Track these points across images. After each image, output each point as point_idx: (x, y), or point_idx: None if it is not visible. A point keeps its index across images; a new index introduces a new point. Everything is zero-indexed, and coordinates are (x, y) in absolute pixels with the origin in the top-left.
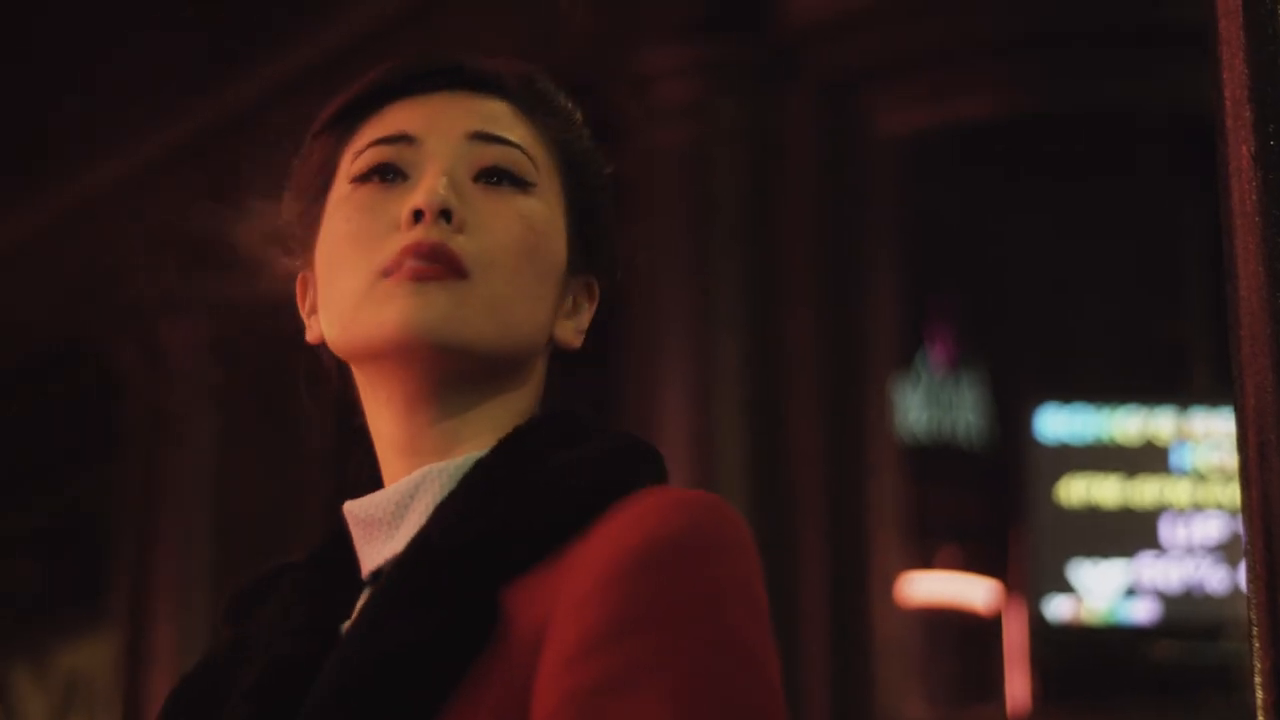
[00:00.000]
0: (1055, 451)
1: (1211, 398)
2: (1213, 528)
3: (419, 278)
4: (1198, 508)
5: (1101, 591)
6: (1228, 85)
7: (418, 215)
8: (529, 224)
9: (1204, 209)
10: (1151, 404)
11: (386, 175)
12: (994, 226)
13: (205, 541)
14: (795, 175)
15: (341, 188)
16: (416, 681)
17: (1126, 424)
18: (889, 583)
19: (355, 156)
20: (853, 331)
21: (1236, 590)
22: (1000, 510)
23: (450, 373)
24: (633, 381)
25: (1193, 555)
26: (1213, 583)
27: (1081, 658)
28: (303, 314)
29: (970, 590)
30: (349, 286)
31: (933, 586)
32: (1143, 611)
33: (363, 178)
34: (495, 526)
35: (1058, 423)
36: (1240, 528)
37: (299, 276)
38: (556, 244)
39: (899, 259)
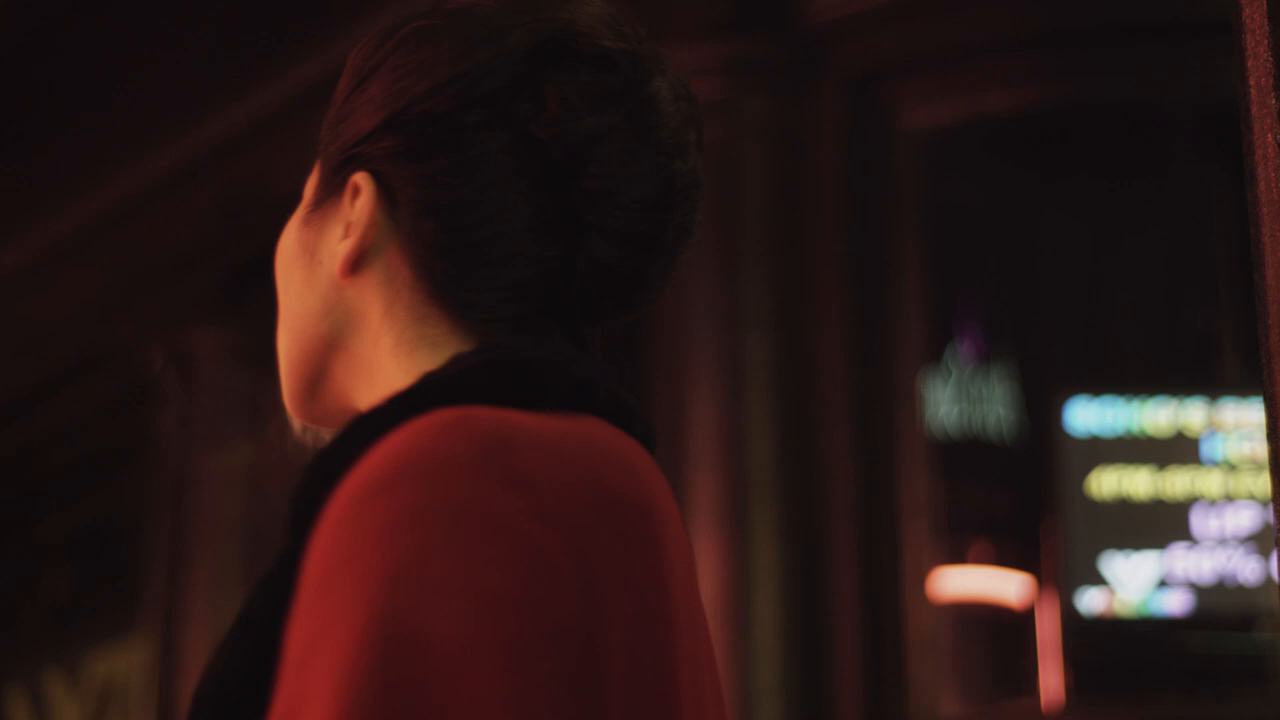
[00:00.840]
0: (1085, 444)
1: (1242, 388)
2: (1244, 518)
3: None
4: (1229, 498)
5: (1134, 583)
6: (1252, 74)
7: None
8: (284, 233)
9: (1233, 199)
10: (1182, 395)
11: None
12: (1022, 220)
13: (237, 547)
14: (822, 171)
15: None
16: (252, 630)
17: (1157, 415)
18: (921, 578)
19: None
20: (881, 327)
21: (1269, 580)
22: (1031, 504)
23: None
24: (661, 380)
25: (1225, 546)
26: (1245, 573)
27: (1114, 650)
28: None
29: (1002, 584)
30: None
31: (964, 581)
32: (1175, 603)
33: None
34: (304, 476)
35: (1088, 415)
36: (1272, 518)
37: None
38: (300, 219)
39: (927, 254)
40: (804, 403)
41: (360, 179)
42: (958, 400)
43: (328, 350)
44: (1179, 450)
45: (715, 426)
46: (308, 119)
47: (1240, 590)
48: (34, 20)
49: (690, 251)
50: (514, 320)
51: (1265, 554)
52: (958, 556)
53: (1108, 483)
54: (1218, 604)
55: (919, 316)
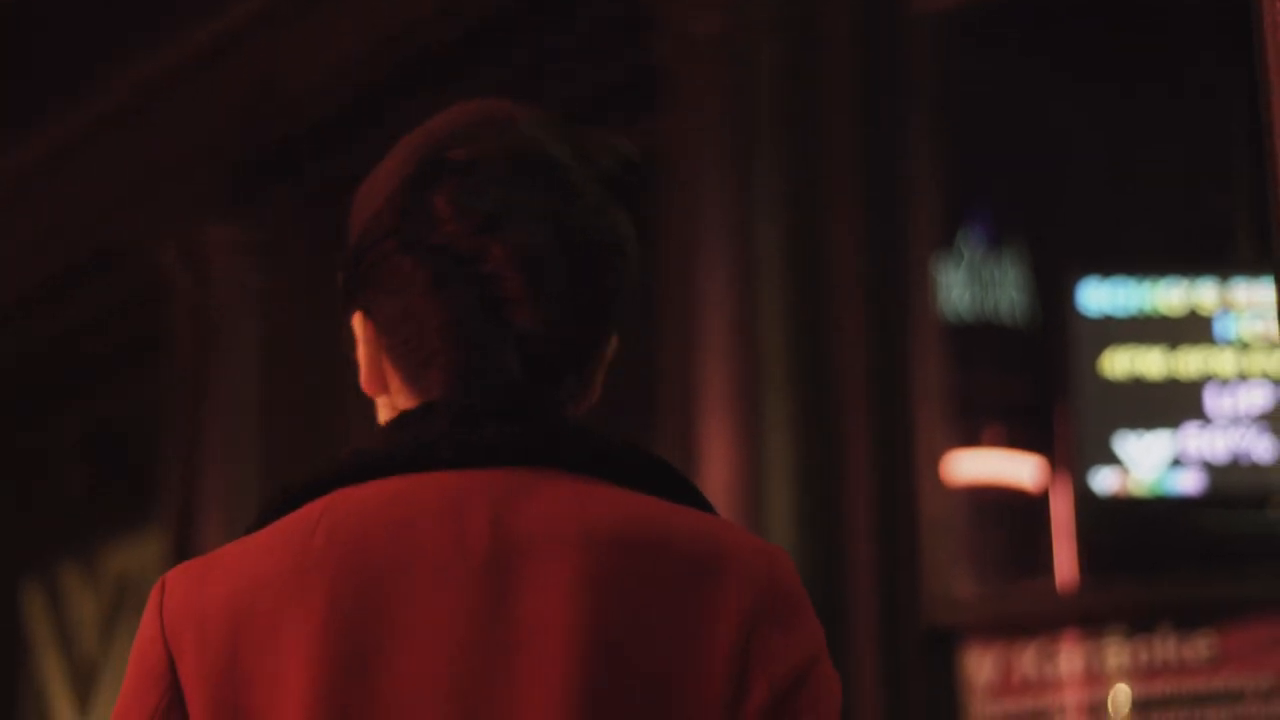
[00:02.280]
0: (1098, 325)
1: (1254, 267)
2: (1258, 397)
3: None
4: (1243, 377)
5: (1147, 463)
6: None
7: None
8: None
9: (1244, 77)
10: (1194, 275)
11: None
12: (1034, 102)
13: (251, 443)
14: (833, 56)
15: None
16: None
17: (1169, 295)
18: (934, 462)
19: None
20: (893, 212)
21: None
22: (1044, 386)
23: None
24: (674, 270)
25: (1238, 425)
26: (1259, 451)
27: (1128, 530)
28: (608, 357)
29: (1016, 467)
30: None
31: (978, 465)
32: (1189, 482)
33: None
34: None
35: (1100, 296)
36: None
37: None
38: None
39: (938, 138)
40: (816, 289)
41: (355, 319)
42: (970, 284)
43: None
44: (1192, 330)
45: (727, 314)
46: (316, 14)
47: (1254, 469)
48: None
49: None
50: (450, 397)
51: (1279, 433)
52: (971, 440)
53: (1120, 363)
54: (1231, 483)
55: (931, 201)
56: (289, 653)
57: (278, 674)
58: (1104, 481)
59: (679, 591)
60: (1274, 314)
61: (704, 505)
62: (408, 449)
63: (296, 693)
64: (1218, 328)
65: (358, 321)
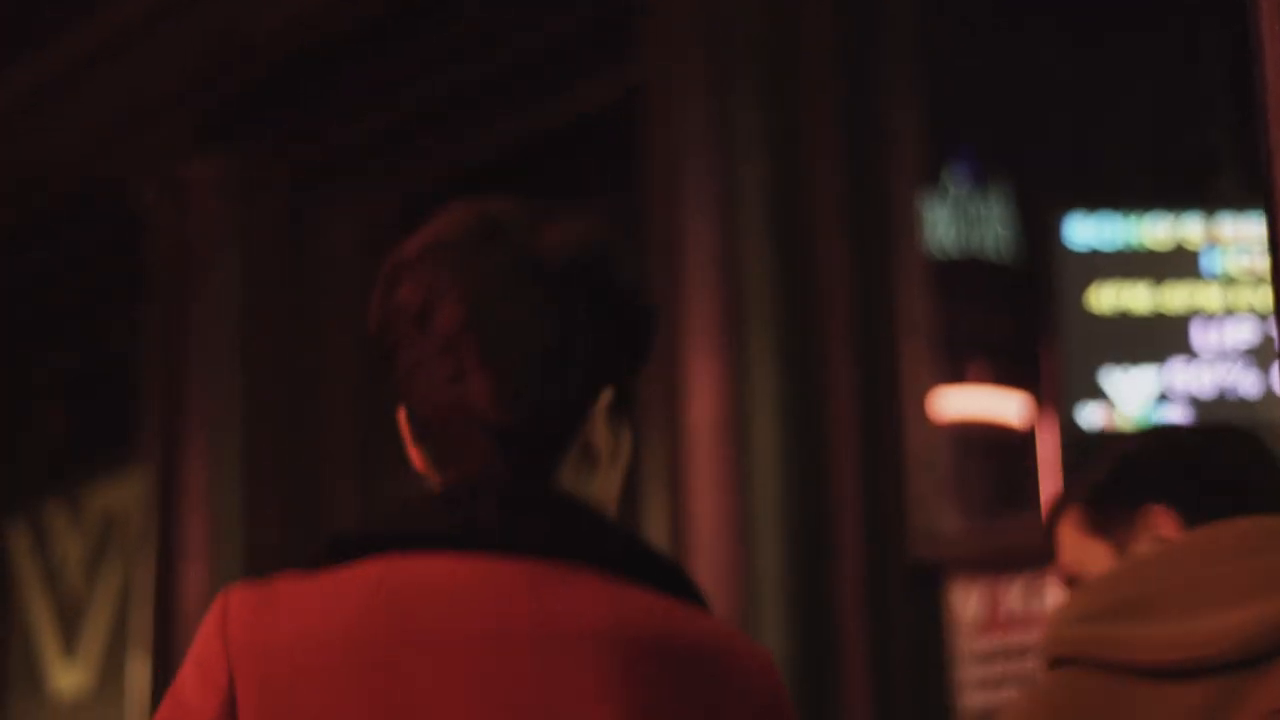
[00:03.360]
0: (1083, 259)
1: (1239, 202)
2: (1244, 332)
3: None
4: (1229, 312)
5: (1133, 398)
6: None
7: None
8: None
9: (1230, 9)
10: (1179, 210)
11: None
12: (1018, 37)
13: (234, 379)
14: None
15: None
16: None
17: (1155, 230)
18: (919, 398)
19: None
20: (877, 149)
21: (1269, 394)
22: (1030, 321)
23: None
24: (657, 209)
25: (1224, 359)
26: (1244, 386)
27: None
28: (604, 417)
29: (1001, 403)
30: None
31: (963, 401)
32: (1175, 417)
33: None
34: None
35: (1085, 231)
36: (1272, 330)
37: (615, 387)
38: None
39: (922, 75)
40: (800, 226)
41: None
42: (955, 221)
43: None
44: (1177, 264)
45: (711, 251)
46: None
47: (1240, 404)
48: None
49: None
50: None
51: (1265, 367)
52: (956, 376)
53: (1106, 298)
54: (1217, 417)
55: (915, 137)
56: (346, 715)
57: None
58: (1090, 417)
59: (696, 693)
60: (1259, 248)
61: (704, 604)
62: (460, 528)
63: None
64: (1203, 262)
65: (400, 415)
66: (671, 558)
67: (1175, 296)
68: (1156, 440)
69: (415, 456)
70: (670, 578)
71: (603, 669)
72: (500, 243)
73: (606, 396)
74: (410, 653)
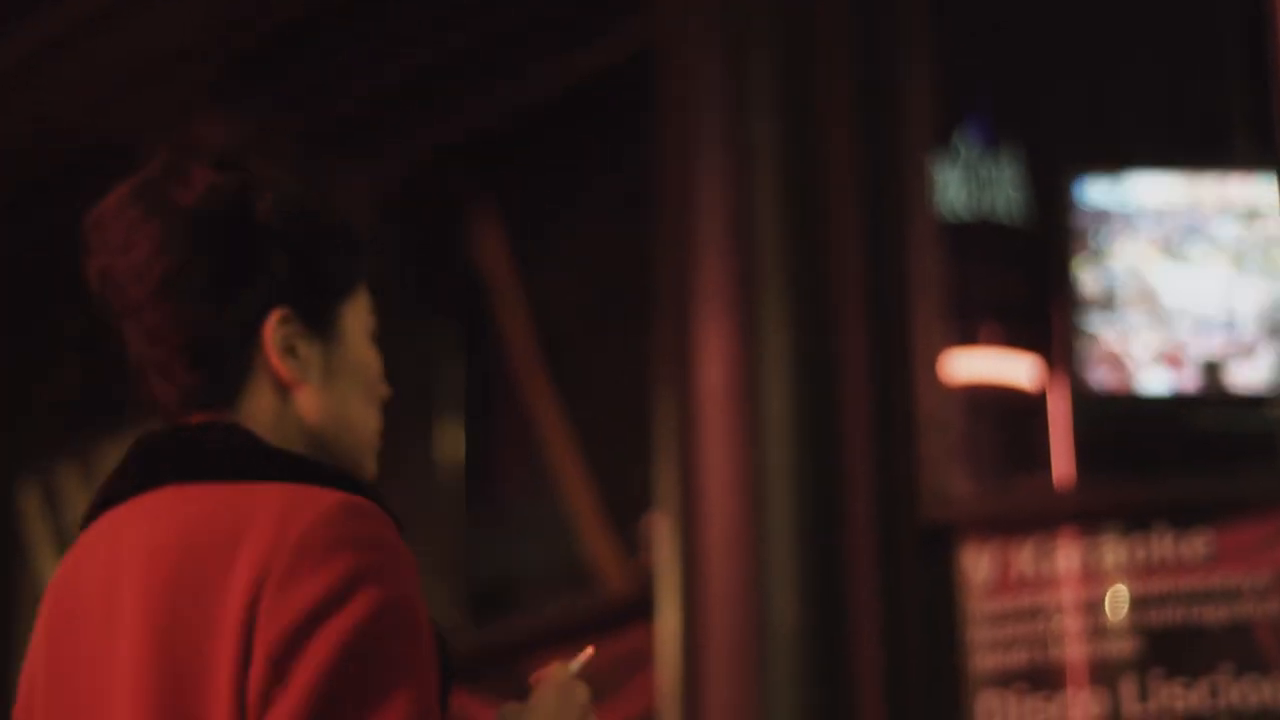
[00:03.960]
0: (1095, 220)
1: (1252, 163)
2: (1257, 293)
3: None
4: (1241, 274)
5: (1145, 361)
6: None
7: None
8: None
9: None
10: (1192, 170)
11: None
12: None
13: None
14: None
15: (363, 322)
16: None
17: (1168, 191)
18: (931, 360)
19: (370, 313)
20: (889, 109)
21: None
22: (1042, 284)
23: None
24: (670, 165)
25: (1237, 322)
26: (1258, 349)
27: (1125, 427)
28: (274, 341)
29: (1012, 366)
30: (368, 424)
31: (975, 364)
32: (1187, 380)
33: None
34: None
35: (1097, 193)
36: None
37: (281, 313)
38: None
39: (935, 35)
40: (813, 187)
41: None
42: (967, 182)
43: None
44: (1190, 225)
45: (724, 212)
46: None
47: (1252, 367)
48: None
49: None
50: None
51: (1276, 330)
52: (968, 339)
53: (1118, 259)
54: (1229, 380)
55: (927, 98)
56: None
57: None
58: (1101, 379)
59: (209, 577)
60: (1272, 209)
61: (296, 473)
62: (111, 483)
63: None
64: (1216, 224)
65: None
66: (244, 444)
67: (1188, 257)
68: None
69: None
70: (243, 462)
71: (139, 580)
72: (138, 196)
73: (273, 321)
74: (84, 583)
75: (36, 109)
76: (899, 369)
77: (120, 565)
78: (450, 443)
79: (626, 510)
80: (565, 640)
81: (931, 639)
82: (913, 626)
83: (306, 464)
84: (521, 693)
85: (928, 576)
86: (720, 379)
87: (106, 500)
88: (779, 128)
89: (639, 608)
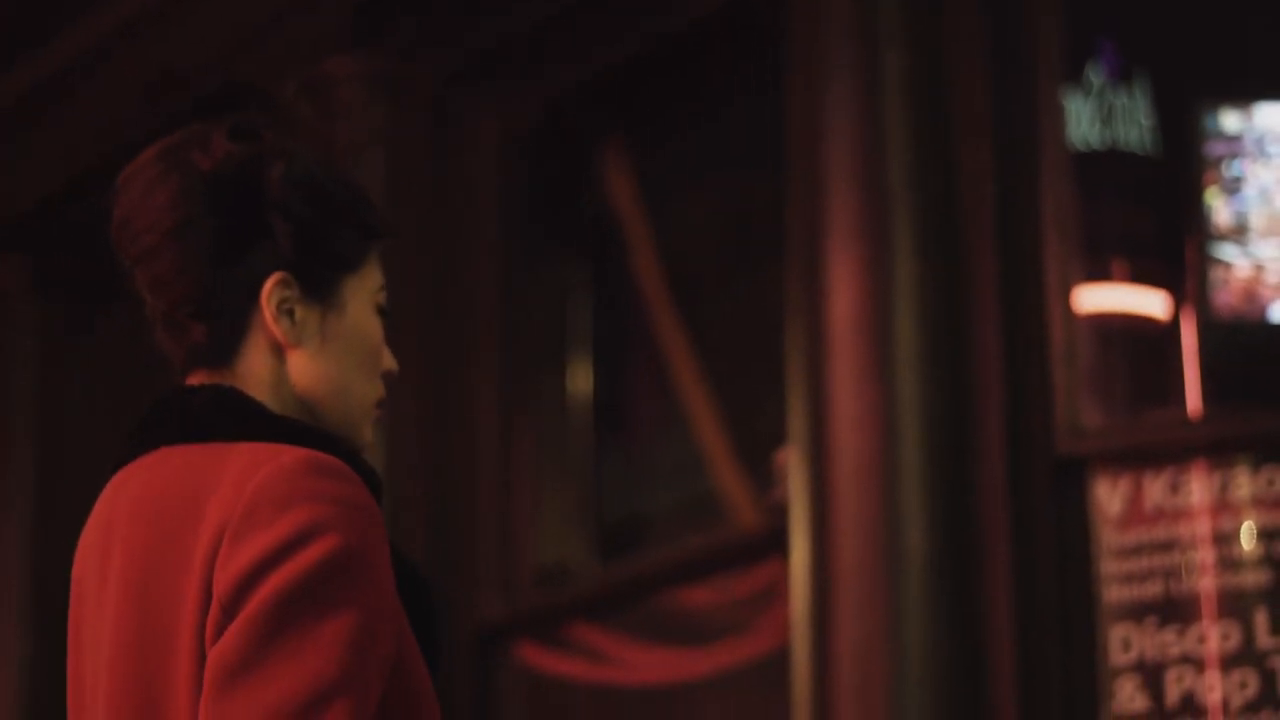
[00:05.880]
0: (1227, 150)
1: None
2: None
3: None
4: None
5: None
6: None
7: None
8: None
9: None
10: None
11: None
12: None
13: None
14: None
15: (368, 295)
16: None
17: None
18: (1062, 293)
19: (379, 289)
20: (1018, 42)
21: None
22: (1173, 214)
23: None
24: (799, 104)
25: None
26: None
27: (1256, 357)
28: (270, 301)
29: (1143, 298)
30: (364, 393)
31: (1105, 298)
32: None
33: (379, 312)
34: None
35: (1230, 123)
36: None
37: (280, 276)
38: None
39: None
40: (943, 120)
41: None
42: (1097, 114)
43: None
44: None
45: (853, 144)
46: None
47: None
48: None
49: None
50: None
51: None
52: (1098, 270)
53: (1249, 190)
54: None
55: (1057, 29)
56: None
57: None
58: (1233, 309)
59: (179, 534)
60: None
61: (275, 433)
62: (131, 436)
63: None
64: None
65: None
66: (232, 404)
67: None
68: None
69: None
70: (225, 422)
71: (124, 541)
72: (161, 158)
73: (272, 282)
74: (108, 534)
75: (163, 53)
76: (1029, 300)
77: (112, 526)
78: (581, 380)
79: (757, 445)
80: (696, 576)
81: (1063, 572)
82: (1044, 560)
83: (287, 425)
84: (653, 628)
85: (1059, 509)
86: (850, 313)
87: (118, 463)
88: (908, 60)
89: (770, 543)
